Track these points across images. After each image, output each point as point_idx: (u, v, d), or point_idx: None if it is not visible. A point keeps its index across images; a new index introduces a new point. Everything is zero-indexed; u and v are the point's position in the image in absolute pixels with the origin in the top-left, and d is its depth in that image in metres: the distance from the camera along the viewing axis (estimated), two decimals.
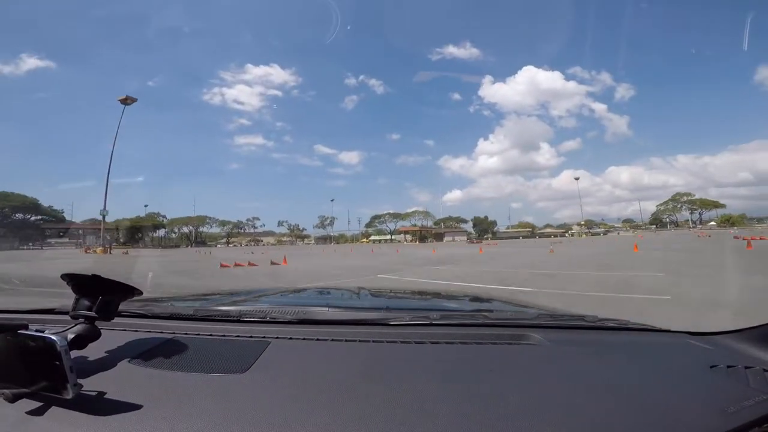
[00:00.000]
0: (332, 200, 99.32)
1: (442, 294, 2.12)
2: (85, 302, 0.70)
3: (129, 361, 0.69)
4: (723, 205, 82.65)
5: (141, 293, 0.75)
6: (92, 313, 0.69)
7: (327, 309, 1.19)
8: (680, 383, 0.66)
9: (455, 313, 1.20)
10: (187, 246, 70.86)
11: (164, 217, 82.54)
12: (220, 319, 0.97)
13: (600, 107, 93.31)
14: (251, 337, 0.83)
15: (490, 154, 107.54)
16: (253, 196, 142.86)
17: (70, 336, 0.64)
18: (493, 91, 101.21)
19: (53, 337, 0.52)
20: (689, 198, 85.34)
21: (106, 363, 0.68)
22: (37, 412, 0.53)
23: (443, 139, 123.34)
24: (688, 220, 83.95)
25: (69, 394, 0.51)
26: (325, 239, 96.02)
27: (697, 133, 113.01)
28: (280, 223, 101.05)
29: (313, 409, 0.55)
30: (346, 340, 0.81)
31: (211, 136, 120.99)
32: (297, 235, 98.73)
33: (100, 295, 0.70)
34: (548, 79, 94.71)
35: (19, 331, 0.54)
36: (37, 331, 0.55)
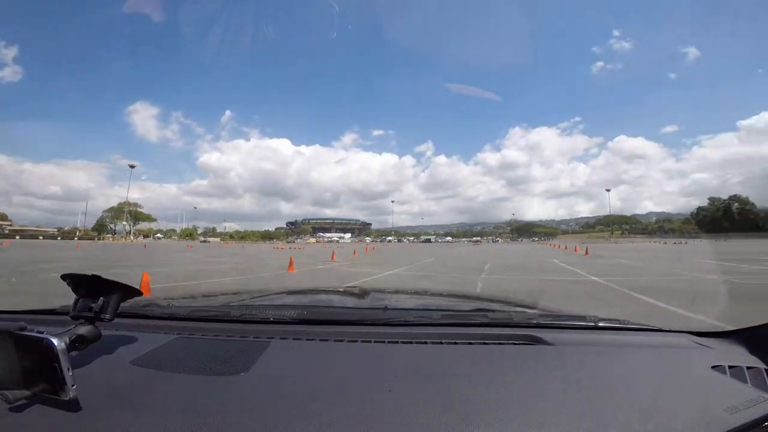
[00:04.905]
0: None
1: (443, 293, 2.11)
2: (86, 303, 0.70)
3: (130, 362, 0.69)
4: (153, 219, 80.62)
5: (141, 294, 0.75)
6: (92, 314, 0.69)
7: (328, 309, 1.19)
8: (682, 383, 0.66)
9: (457, 313, 1.19)
10: None
11: None
12: (220, 320, 0.97)
13: None
14: (252, 337, 0.82)
15: None
16: None
17: (71, 337, 0.64)
18: None
19: (51, 338, 0.52)
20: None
21: (107, 364, 0.68)
22: (36, 414, 0.53)
23: None
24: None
25: (67, 396, 0.51)
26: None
27: None
28: None
29: (315, 409, 0.54)
30: (347, 340, 0.81)
31: None
32: None
33: (101, 296, 0.70)
34: None
35: (18, 333, 0.54)
36: (36, 332, 0.54)
